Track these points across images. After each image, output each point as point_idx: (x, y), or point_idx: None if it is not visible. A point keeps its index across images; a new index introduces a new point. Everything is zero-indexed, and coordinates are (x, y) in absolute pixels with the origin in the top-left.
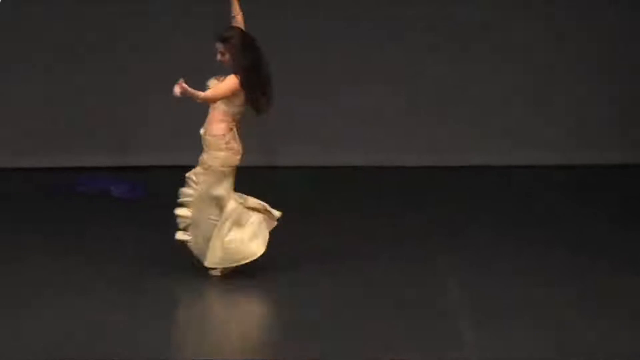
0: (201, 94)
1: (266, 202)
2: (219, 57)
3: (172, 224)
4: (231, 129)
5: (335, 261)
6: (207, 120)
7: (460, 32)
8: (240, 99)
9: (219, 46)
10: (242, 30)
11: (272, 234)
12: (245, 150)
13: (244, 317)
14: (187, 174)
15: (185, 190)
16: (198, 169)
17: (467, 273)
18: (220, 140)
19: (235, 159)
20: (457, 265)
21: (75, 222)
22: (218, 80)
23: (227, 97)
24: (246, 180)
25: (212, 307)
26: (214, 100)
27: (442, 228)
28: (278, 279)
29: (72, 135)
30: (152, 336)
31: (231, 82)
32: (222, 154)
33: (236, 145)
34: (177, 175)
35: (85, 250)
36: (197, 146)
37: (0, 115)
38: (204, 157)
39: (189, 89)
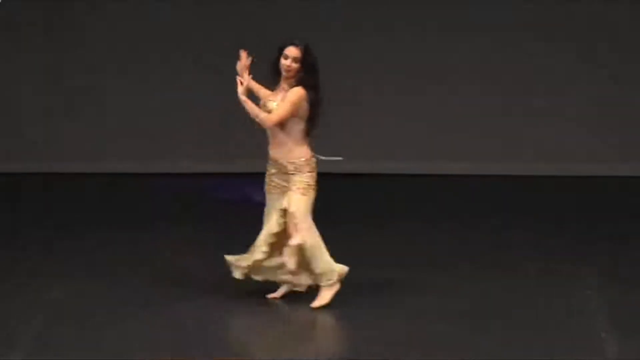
0: (265, 115)
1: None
2: (289, 62)
3: None
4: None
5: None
6: (278, 143)
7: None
8: (304, 113)
9: (294, 52)
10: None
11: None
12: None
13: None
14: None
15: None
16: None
17: None
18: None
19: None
20: None
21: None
22: (275, 96)
23: (295, 113)
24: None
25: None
26: (284, 119)
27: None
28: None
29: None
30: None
31: (299, 92)
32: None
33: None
34: None
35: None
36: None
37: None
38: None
39: (249, 102)
